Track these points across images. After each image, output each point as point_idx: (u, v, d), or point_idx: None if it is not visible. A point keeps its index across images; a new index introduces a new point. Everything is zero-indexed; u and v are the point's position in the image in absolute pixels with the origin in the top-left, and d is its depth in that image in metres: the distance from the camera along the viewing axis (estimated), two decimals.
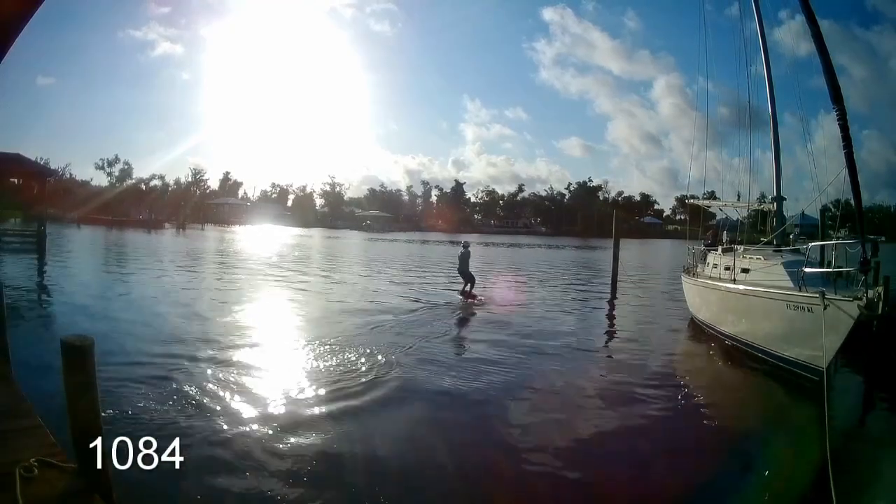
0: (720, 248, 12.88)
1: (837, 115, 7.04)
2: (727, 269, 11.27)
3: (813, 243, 8.85)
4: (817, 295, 7.26)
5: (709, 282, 11.70)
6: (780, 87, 12.61)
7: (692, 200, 16.94)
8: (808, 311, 7.69)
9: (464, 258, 15.34)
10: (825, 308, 7.08)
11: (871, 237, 7.44)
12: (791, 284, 8.66)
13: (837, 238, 9.53)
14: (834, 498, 4.23)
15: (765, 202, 13.37)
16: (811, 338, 7.44)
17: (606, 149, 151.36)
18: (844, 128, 7.02)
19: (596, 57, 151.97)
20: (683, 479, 5.13)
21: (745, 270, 10.47)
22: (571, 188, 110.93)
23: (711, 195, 18.99)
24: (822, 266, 8.65)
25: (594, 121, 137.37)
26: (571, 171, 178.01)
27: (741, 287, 9.82)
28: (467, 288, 15.32)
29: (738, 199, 14.34)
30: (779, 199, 12.36)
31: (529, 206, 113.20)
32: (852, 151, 7.05)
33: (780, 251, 10.84)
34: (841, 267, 7.98)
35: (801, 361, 8.13)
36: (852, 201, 7.17)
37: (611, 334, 12.47)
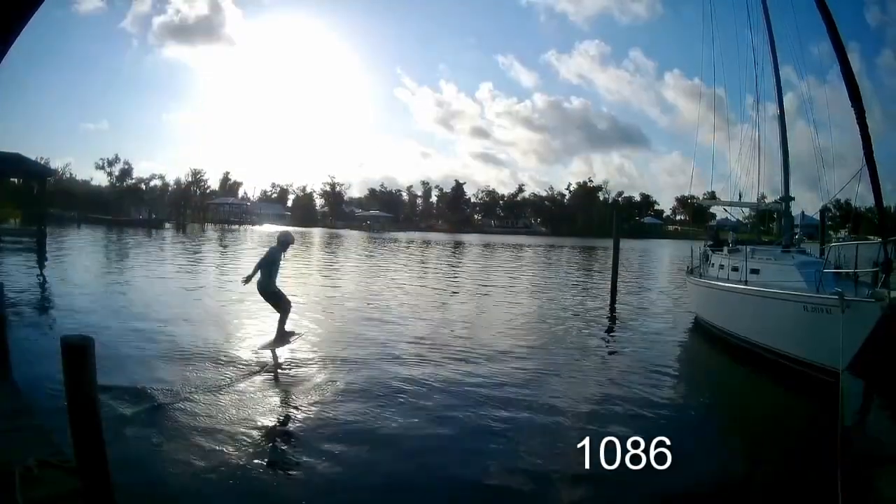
0: (726, 249, 12.72)
1: (856, 115, 6.93)
2: (735, 269, 11.11)
3: (834, 244, 8.51)
4: (836, 296, 7.12)
5: (717, 283, 11.50)
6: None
7: (694, 200, 16.76)
8: (827, 312, 7.52)
9: (270, 260, 7.94)
10: (843, 310, 6.94)
11: (893, 238, 7.25)
12: (805, 286, 8.54)
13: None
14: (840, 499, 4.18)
15: (773, 202, 13.10)
16: (829, 340, 7.26)
17: None
18: (863, 125, 6.90)
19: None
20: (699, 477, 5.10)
21: (754, 271, 10.28)
22: (571, 188, 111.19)
23: (712, 195, 18.91)
24: (837, 267, 8.34)
25: None
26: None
27: (754, 288, 9.60)
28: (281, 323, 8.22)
29: (741, 199, 14.21)
30: (786, 198, 12.13)
31: (529, 207, 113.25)
32: (871, 150, 6.95)
33: (790, 252, 10.63)
34: (863, 268, 7.74)
35: (818, 364, 7.94)
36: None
37: (617, 335, 12.41)
